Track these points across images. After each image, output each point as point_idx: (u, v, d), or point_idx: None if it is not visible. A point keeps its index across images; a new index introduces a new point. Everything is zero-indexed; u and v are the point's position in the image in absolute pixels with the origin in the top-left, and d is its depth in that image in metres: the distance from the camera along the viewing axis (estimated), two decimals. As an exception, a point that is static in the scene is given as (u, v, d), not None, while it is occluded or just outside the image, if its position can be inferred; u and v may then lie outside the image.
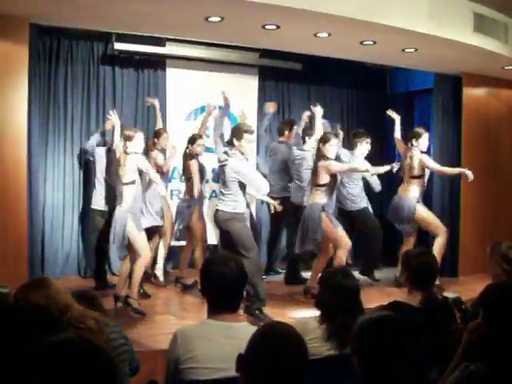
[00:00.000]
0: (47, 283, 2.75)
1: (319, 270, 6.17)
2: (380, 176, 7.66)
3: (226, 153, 5.97)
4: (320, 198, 6.40)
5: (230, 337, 2.62)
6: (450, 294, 3.68)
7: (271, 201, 6.94)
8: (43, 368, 1.44)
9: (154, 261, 7.10)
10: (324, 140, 6.43)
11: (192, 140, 6.93)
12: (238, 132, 5.96)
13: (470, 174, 6.84)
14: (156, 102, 7.44)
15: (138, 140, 5.91)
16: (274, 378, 1.83)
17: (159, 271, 7.22)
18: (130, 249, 5.90)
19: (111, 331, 2.84)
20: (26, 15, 5.34)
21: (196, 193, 6.72)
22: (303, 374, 1.87)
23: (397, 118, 7.51)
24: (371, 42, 6.39)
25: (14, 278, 4.73)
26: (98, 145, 7.02)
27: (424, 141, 7.06)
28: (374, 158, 7.68)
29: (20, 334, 1.91)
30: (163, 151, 7.00)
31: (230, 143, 6.05)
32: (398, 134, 7.50)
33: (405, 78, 9.44)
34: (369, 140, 7.45)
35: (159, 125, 7.34)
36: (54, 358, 1.46)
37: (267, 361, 1.85)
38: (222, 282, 2.71)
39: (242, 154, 5.96)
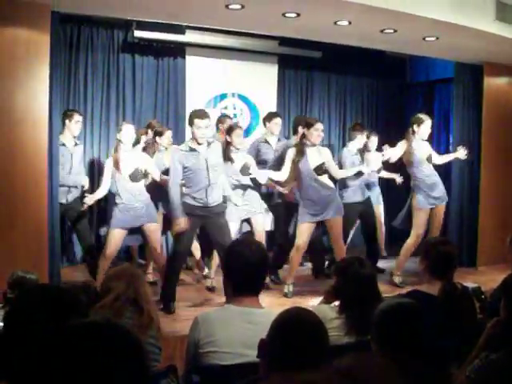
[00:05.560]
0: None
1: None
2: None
3: None
4: None
5: (250, 322, 2.63)
6: (469, 284, 3.66)
7: None
8: (68, 350, 1.46)
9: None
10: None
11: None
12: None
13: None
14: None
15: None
16: (295, 362, 1.84)
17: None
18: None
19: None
20: (48, 3, 5.35)
21: None
22: (324, 358, 1.89)
23: None
24: (392, 31, 6.33)
25: (34, 266, 4.80)
26: None
27: (425, 128, 6.65)
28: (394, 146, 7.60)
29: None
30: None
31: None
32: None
33: (425, 66, 9.37)
34: (365, 134, 7.39)
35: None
36: (80, 340, 1.47)
37: (289, 345, 1.87)
38: (244, 264, 2.72)
39: None
